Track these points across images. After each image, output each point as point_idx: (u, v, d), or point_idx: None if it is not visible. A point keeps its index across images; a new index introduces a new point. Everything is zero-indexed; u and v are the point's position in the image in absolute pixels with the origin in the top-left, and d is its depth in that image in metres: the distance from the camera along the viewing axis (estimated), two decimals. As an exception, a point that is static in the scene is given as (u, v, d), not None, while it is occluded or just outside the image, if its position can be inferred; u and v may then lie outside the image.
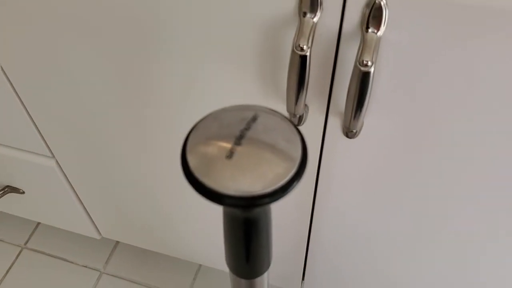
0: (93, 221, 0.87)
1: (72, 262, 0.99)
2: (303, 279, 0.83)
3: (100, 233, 0.90)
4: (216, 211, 0.72)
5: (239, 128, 0.26)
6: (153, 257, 1.00)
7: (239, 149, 0.26)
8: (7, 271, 0.98)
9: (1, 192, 0.82)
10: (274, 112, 0.28)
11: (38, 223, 1.05)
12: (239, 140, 0.26)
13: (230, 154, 0.25)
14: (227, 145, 0.26)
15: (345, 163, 0.52)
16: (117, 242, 1.02)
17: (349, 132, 0.45)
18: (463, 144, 0.47)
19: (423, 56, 0.41)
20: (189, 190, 0.71)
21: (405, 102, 0.45)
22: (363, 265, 0.74)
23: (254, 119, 0.27)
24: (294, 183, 0.25)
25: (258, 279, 0.35)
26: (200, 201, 0.71)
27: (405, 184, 0.54)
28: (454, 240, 0.61)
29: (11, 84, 0.61)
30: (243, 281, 0.35)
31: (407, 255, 0.68)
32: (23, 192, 0.82)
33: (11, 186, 0.82)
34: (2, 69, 0.59)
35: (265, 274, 0.35)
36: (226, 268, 0.87)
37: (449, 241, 0.61)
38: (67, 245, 1.02)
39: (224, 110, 0.27)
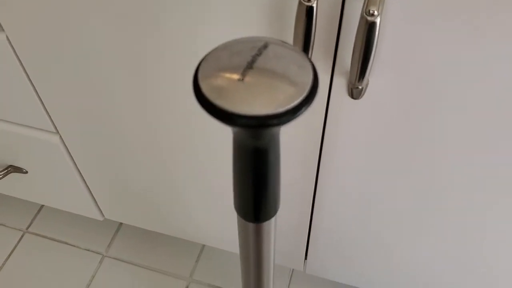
0: (96, 202, 0.87)
1: (74, 246, 0.99)
2: (306, 258, 0.84)
3: (103, 215, 0.90)
4: (221, 184, 0.72)
5: (251, 54, 0.27)
6: (156, 240, 1.00)
7: (250, 72, 0.26)
8: (9, 255, 0.98)
9: (4, 171, 0.82)
10: (284, 42, 0.28)
11: (40, 207, 1.05)
12: (250, 64, 0.26)
13: (242, 78, 0.26)
14: (239, 69, 0.26)
15: (351, 124, 0.52)
16: (120, 225, 1.02)
17: (354, 89, 0.45)
18: (468, 107, 0.48)
19: (429, 12, 0.41)
20: (194, 161, 0.72)
21: (410, 62, 0.46)
22: (367, 241, 0.74)
23: (265, 46, 0.27)
24: (305, 105, 0.25)
25: (265, 224, 0.35)
26: (205, 173, 0.72)
27: (409, 148, 0.54)
28: (459, 208, 0.61)
29: (16, 55, 0.61)
30: (251, 226, 0.35)
31: (412, 226, 0.68)
32: (26, 172, 0.83)
33: (14, 166, 0.82)
34: (8, 38, 0.60)
35: (273, 220, 0.35)
36: (229, 248, 0.88)
37: (454, 209, 0.62)
38: (70, 229, 1.02)
39: (234, 41, 0.28)
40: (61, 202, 0.90)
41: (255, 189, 0.31)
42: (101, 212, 0.89)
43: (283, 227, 0.77)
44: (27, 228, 1.02)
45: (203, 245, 0.99)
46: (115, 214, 0.89)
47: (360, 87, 0.45)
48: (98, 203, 0.87)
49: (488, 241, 0.65)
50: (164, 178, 0.76)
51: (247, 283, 0.43)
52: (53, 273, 0.95)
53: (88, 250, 0.99)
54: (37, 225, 1.03)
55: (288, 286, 0.93)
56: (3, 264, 0.97)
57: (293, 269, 0.94)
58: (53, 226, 1.02)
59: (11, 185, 0.89)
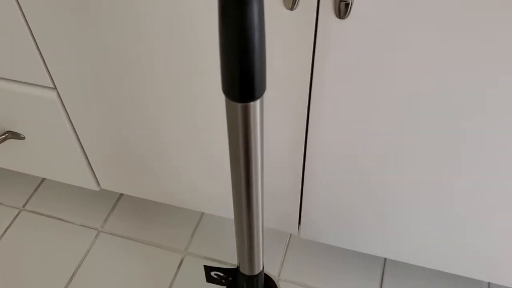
0: (92, 170, 0.87)
1: (70, 222, 0.99)
2: (299, 223, 0.83)
3: (99, 185, 0.90)
4: (219, 150, 0.73)
5: None
6: (151, 216, 1.00)
7: None
8: (4, 232, 0.98)
9: (2, 137, 0.83)
10: None
11: (37, 186, 1.05)
12: None
13: None
14: None
15: (339, 51, 0.54)
16: (115, 202, 1.02)
17: (341, 5, 0.47)
18: (454, 25, 0.49)
19: None
20: (192, 125, 0.72)
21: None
22: (358, 199, 0.75)
23: None
24: None
25: (252, 105, 0.36)
26: (202, 138, 0.73)
27: (398, 73, 0.55)
28: (454, 163, 0.61)
29: (18, 2, 0.63)
30: (238, 106, 0.36)
31: (404, 182, 0.68)
32: (24, 138, 0.83)
33: (11, 131, 0.83)
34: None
35: (258, 102, 0.36)
36: (225, 213, 0.88)
37: (448, 163, 0.62)
38: (66, 207, 1.02)
39: None
40: (58, 172, 0.90)
41: (241, 62, 0.32)
42: (97, 181, 0.90)
43: (275, 190, 0.78)
44: (23, 206, 1.03)
45: (199, 220, 0.99)
46: (111, 183, 0.89)
47: (347, 1, 0.46)
48: (95, 171, 0.87)
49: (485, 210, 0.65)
50: (161, 143, 0.76)
51: (236, 181, 0.44)
52: (48, 248, 0.95)
53: (84, 226, 0.99)
54: (34, 203, 1.03)
55: (285, 251, 0.93)
56: (-2, 241, 0.97)
57: (290, 235, 0.94)
58: (50, 204, 1.02)
59: (8, 155, 0.89)
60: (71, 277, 0.91)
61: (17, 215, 1.01)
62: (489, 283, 0.87)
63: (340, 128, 0.65)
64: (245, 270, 0.57)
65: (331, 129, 0.65)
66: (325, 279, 0.89)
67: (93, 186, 0.91)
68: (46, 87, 0.73)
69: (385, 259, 0.91)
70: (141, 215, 1.00)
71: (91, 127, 0.79)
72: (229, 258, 0.93)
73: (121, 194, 1.04)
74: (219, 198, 0.83)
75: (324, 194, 0.76)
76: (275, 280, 0.66)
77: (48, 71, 0.71)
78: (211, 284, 0.75)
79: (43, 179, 1.07)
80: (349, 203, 0.76)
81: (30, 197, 1.04)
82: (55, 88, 0.73)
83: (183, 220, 0.99)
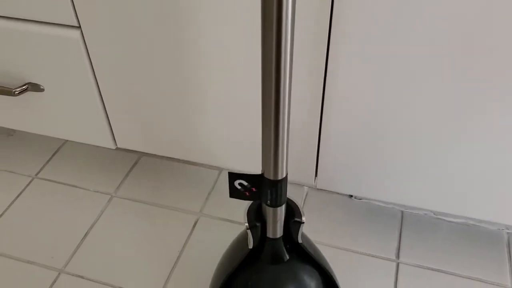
0: (110, 126, 0.87)
1: (83, 188, 0.99)
2: (316, 175, 0.83)
3: (116, 143, 0.90)
4: (244, 94, 0.74)
5: None
6: (165, 181, 0.99)
7: None
8: (16, 198, 0.97)
9: (22, 88, 0.84)
10: None
11: (50, 157, 1.05)
12: None
13: None
14: None
15: None
16: (130, 168, 1.02)
17: None
18: None
19: None
20: (214, 79, 0.73)
21: None
22: (372, 148, 0.75)
23: None
24: None
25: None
26: (222, 92, 0.74)
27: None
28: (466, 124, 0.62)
29: None
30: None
31: (425, 131, 0.68)
32: (43, 89, 0.85)
33: (31, 83, 0.84)
34: None
35: None
36: (246, 167, 0.87)
37: (463, 125, 0.63)
38: (79, 174, 1.01)
39: None
40: (74, 130, 0.90)
41: None
42: (114, 140, 0.90)
43: (292, 142, 0.78)
44: (36, 175, 1.02)
45: (214, 183, 0.98)
46: (128, 141, 0.89)
47: None
48: (113, 128, 0.88)
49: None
50: (182, 97, 0.77)
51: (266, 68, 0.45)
52: (59, 213, 0.94)
53: (97, 191, 0.98)
54: (47, 171, 1.03)
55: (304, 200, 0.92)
56: (9, 206, 0.95)
57: (306, 194, 0.95)
58: (63, 172, 1.02)
59: (26, 112, 0.90)
60: (83, 237, 0.89)
61: (30, 182, 1.00)
62: (508, 239, 0.86)
63: (357, 78, 0.66)
64: (269, 175, 0.57)
65: (349, 78, 0.67)
66: (340, 236, 0.87)
67: (110, 144, 0.91)
68: (70, 26, 0.75)
69: (402, 215, 0.90)
70: (155, 181, 0.99)
71: (113, 76, 0.80)
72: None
73: (135, 162, 1.04)
74: (241, 149, 0.83)
75: (340, 143, 0.76)
76: (297, 204, 0.65)
77: (74, 6, 0.73)
78: (227, 242, 0.74)
79: (56, 150, 1.07)
80: (363, 153, 0.76)
81: (44, 166, 1.04)
82: (79, 26, 0.75)
83: (197, 184, 0.98)
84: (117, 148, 0.91)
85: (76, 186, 0.99)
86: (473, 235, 0.87)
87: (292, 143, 0.79)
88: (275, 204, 0.59)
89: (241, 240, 0.67)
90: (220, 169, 1.01)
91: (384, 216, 0.91)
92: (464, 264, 0.82)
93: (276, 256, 0.65)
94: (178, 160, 1.03)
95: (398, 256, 0.84)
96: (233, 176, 0.58)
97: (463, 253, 0.84)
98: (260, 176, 0.57)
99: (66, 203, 0.96)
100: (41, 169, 1.03)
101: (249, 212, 0.63)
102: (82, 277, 0.83)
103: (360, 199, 0.93)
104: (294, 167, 0.82)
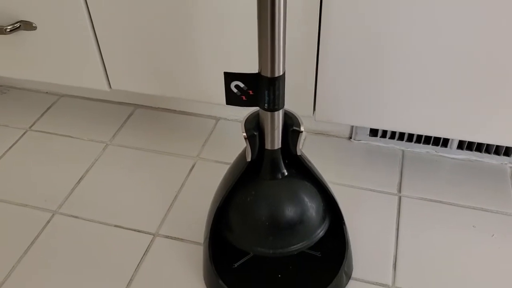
0: (105, 68, 0.86)
1: (77, 138, 0.97)
2: (314, 108, 0.82)
3: (110, 85, 0.89)
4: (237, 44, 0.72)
5: None
6: (161, 129, 0.97)
7: None
8: (8, 149, 0.95)
9: (13, 26, 0.82)
10: None
11: (45, 110, 1.04)
12: None
13: None
14: None
15: None
16: (126, 118, 1.00)
17: None
18: None
19: None
20: (212, 18, 0.71)
21: None
22: (368, 74, 0.73)
23: None
24: None
25: None
26: (221, 33, 0.73)
27: None
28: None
29: None
30: None
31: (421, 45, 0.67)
32: (35, 27, 0.83)
33: (23, 21, 0.83)
34: None
35: None
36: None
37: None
38: (74, 125, 1.00)
39: None
40: (67, 72, 0.89)
41: None
42: (108, 81, 0.88)
43: (289, 75, 0.77)
44: (30, 127, 1.00)
45: (211, 131, 0.96)
46: (122, 82, 0.88)
47: None
48: (107, 69, 0.86)
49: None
50: (178, 34, 0.76)
51: None
52: (53, 161, 0.92)
53: (92, 140, 0.96)
54: (41, 124, 1.01)
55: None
56: (2, 156, 0.93)
57: (306, 137, 0.92)
58: (58, 124, 1.00)
59: (17, 54, 0.88)
60: (77, 182, 0.87)
61: (23, 134, 0.98)
62: (512, 173, 0.84)
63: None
64: (266, 72, 0.55)
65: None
66: (342, 174, 0.86)
67: (104, 86, 0.89)
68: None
69: (403, 154, 0.88)
70: (151, 130, 0.98)
71: (108, 13, 0.78)
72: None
73: (130, 114, 1.02)
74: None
75: (338, 71, 0.75)
76: (296, 114, 0.63)
77: None
78: (218, 177, 0.72)
79: (50, 106, 1.05)
80: (362, 79, 0.75)
81: (37, 119, 1.02)
82: (72, -47, 0.74)
83: (194, 132, 0.97)
84: (111, 90, 0.89)
85: (70, 136, 0.97)
86: (476, 170, 0.85)
87: (289, 76, 0.78)
88: (273, 108, 0.57)
89: (241, 156, 0.65)
90: (217, 119, 1.00)
91: (385, 156, 0.89)
92: (467, 196, 0.81)
93: (275, 169, 0.63)
94: (174, 111, 1.02)
95: (400, 190, 0.82)
96: (229, 77, 0.56)
97: (466, 186, 0.82)
98: (257, 75, 0.55)
99: (60, 152, 0.94)
100: (34, 122, 1.01)
101: (247, 122, 0.61)
102: (76, 217, 0.81)
103: (359, 140, 0.92)
104: (292, 101, 0.81)
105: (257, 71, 0.56)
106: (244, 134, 0.60)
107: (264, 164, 0.63)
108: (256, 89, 0.57)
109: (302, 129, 0.61)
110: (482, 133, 0.75)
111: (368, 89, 0.76)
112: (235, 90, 0.57)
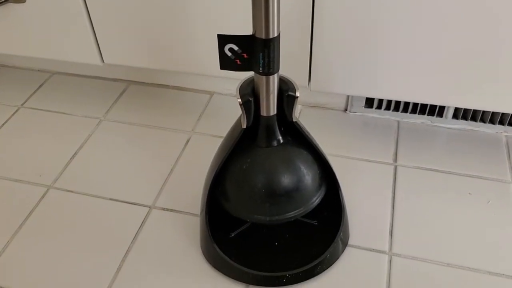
0: (97, 42, 0.85)
1: (71, 114, 0.96)
2: (309, 79, 0.81)
3: (102, 59, 0.88)
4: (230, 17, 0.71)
5: None
6: (156, 105, 0.97)
7: None
8: (1, 126, 0.94)
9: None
10: None
11: (38, 87, 1.03)
12: None
13: None
14: None
15: None
16: (120, 94, 1.00)
17: None
18: None
19: None
20: None
21: None
22: (362, 43, 0.73)
23: None
24: None
25: None
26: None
27: None
28: None
29: None
30: None
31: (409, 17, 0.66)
32: (24, 0, 0.82)
33: (13, -6, 0.82)
34: None
35: None
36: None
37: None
38: (68, 102, 0.99)
39: None
40: (58, 48, 0.87)
41: None
42: (101, 55, 0.87)
43: (285, 46, 0.76)
44: (22, 104, 0.99)
45: (205, 105, 0.96)
46: (115, 56, 0.87)
47: None
48: (99, 41, 0.85)
49: None
50: (170, 7, 0.75)
51: None
52: (46, 137, 0.91)
53: (86, 116, 0.95)
54: (34, 101, 1.00)
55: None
56: (-4, 134, 0.93)
57: (301, 111, 0.92)
58: (50, 101, 0.99)
59: (7, 29, 0.87)
60: (72, 157, 0.86)
61: (16, 111, 0.97)
62: (507, 141, 0.84)
63: None
64: (261, 33, 0.55)
65: None
66: (338, 146, 0.85)
67: (96, 61, 0.88)
68: None
69: (398, 125, 0.88)
70: (145, 106, 0.97)
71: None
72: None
73: (123, 90, 1.01)
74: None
75: (332, 43, 0.74)
76: (291, 79, 0.63)
77: None
78: (214, 150, 0.72)
79: (42, 83, 1.04)
80: (355, 47, 0.75)
81: (30, 97, 1.01)
82: None
83: (189, 107, 0.96)
84: (104, 64, 0.88)
85: (63, 113, 0.96)
86: (471, 139, 0.85)
87: (284, 46, 0.77)
88: (268, 71, 0.57)
89: (236, 123, 0.65)
90: (211, 93, 0.99)
91: (380, 127, 0.89)
92: (463, 164, 0.81)
93: (271, 136, 0.63)
94: (168, 87, 1.01)
95: (395, 160, 0.82)
96: (223, 39, 0.55)
97: (461, 155, 0.82)
98: (251, 37, 0.55)
99: (53, 128, 0.93)
100: (27, 99, 1.00)
101: (242, 88, 0.60)
102: (71, 191, 0.80)
103: (355, 112, 0.92)
104: (287, 71, 0.79)
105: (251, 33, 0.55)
106: (239, 100, 0.60)
107: (259, 131, 0.63)
108: (251, 52, 0.56)
109: (297, 94, 0.60)
110: (477, 100, 0.75)
111: (364, 57, 0.75)
112: (229, 54, 0.56)
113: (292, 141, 0.64)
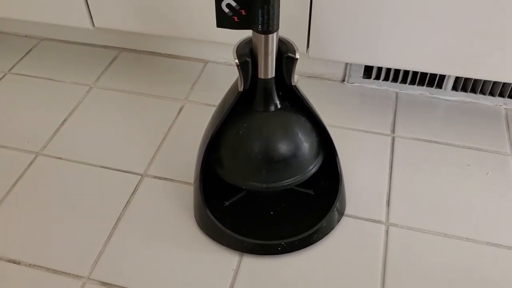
0: (87, 2, 0.82)
1: (60, 81, 0.93)
2: (308, 46, 0.79)
3: (93, 23, 0.85)
4: None
5: None
6: (148, 72, 0.94)
7: None
8: (-11, 92, 0.91)
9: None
10: None
11: (26, 53, 0.99)
12: None
13: None
14: None
15: None
16: (111, 61, 0.96)
17: None
18: None
19: None
20: None
21: None
22: (360, 11, 0.71)
23: None
24: None
25: None
26: None
27: None
28: None
29: None
30: None
31: None
32: (12, -42, 0.78)
33: (-1, -49, 0.78)
34: None
35: None
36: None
37: None
38: (57, 68, 0.95)
39: None
40: (48, 10, 0.84)
41: None
42: (91, 18, 0.84)
43: (283, 16, 0.73)
44: (9, 70, 0.96)
45: (199, 75, 0.93)
46: (106, 19, 0.83)
47: None
48: (89, 4, 0.82)
49: None
50: None
51: None
52: (34, 104, 0.88)
53: (76, 83, 0.92)
54: (21, 67, 0.96)
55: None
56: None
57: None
58: (38, 67, 0.96)
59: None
60: (61, 124, 0.83)
61: (2, 77, 0.94)
62: (506, 114, 0.83)
63: None
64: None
65: None
66: (335, 116, 0.84)
67: (87, 24, 0.85)
68: None
69: (396, 96, 0.86)
70: (137, 73, 0.94)
71: None
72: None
73: (115, 57, 0.98)
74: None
75: (332, 7, 0.72)
76: (290, 40, 0.61)
77: None
78: (208, 119, 0.70)
79: (30, 49, 1.00)
80: (355, 14, 0.72)
81: (17, 63, 0.97)
82: None
83: (182, 75, 0.93)
84: (95, 28, 0.85)
85: (52, 79, 0.93)
86: (470, 112, 0.84)
87: (282, 11, 0.74)
88: (267, 29, 0.54)
89: (233, 87, 0.62)
90: (205, 62, 0.96)
91: (378, 98, 0.87)
92: (462, 136, 0.79)
93: (268, 100, 0.61)
94: (160, 54, 0.98)
95: (393, 131, 0.81)
96: (220, -5, 0.52)
97: (460, 126, 0.81)
98: (251, -8, 0.52)
99: (41, 95, 0.90)
100: (14, 65, 0.96)
101: (239, 48, 0.58)
102: (60, 158, 0.78)
103: (353, 83, 0.89)
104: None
105: (250, -9, 0.53)
106: (236, 60, 0.57)
107: (257, 94, 0.61)
108: (249, 8, 0.53)
109: (297, 56, 0.58)
110: (478, 69, 0.73)
111: (364, 23, 0.73)
112: (226, 10, 0.54)
113: (290, 106, 0.62)
